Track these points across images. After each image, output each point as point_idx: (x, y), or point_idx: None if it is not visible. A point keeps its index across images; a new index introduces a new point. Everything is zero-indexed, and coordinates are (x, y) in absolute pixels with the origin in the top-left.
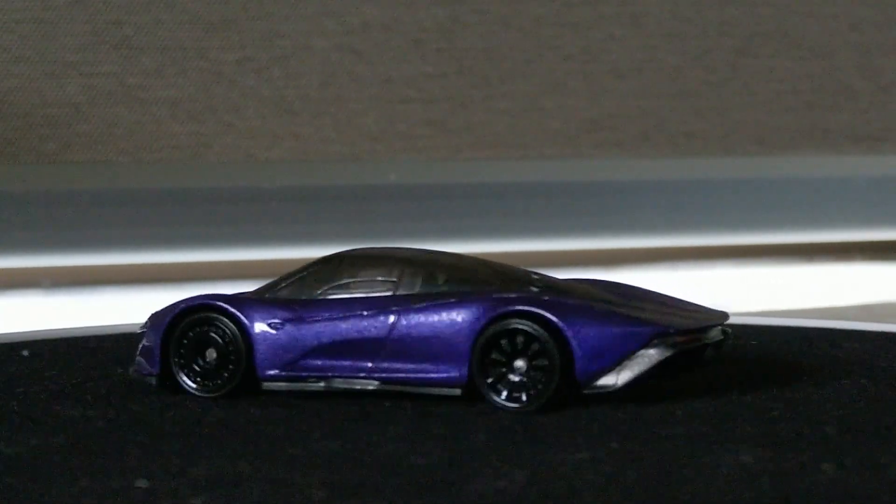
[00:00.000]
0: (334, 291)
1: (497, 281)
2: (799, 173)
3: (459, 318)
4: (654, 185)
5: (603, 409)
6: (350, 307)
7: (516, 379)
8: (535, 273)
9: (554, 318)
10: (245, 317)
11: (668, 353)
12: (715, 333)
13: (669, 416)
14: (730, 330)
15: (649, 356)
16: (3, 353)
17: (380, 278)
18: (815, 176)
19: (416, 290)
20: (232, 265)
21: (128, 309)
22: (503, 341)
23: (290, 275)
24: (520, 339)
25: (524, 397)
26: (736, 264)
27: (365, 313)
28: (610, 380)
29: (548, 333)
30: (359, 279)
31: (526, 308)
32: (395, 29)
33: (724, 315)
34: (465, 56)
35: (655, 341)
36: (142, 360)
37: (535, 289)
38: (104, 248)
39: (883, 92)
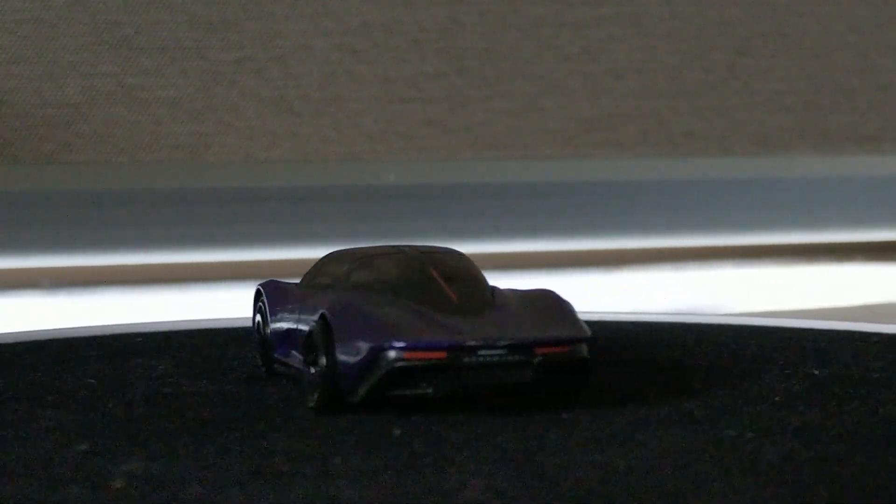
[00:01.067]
0: (313, 285)
1: (383, 284)
2: (798, 173)
3: (307, 318)
4: (653, 184)
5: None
6: (306, 297)
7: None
8: (469, 282)
9: (331, 323)
10: (268, 303)
11: (388, 367)
12: (509, 354)
13: (681, 413)
14: (587, 354)
15: (378, 369)
16: (2, 352)
17: (328, 275)
18: (814, 176)
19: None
20: (231, 265)
21: (128, 309)
22: (309, 340)
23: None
24: (309, 340)
25: (316, 396)
26: (736, 264)
27: (295, 307)
28: (354, 390)
29: (323, 337)
30: (322, 273)
31: (323, 311)
32: (394, 29)
33: (578, 333)
34: (465, 56)
35: (387, 354)
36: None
37: (392, 294)
38: (104, 248)
39: (881, 92)
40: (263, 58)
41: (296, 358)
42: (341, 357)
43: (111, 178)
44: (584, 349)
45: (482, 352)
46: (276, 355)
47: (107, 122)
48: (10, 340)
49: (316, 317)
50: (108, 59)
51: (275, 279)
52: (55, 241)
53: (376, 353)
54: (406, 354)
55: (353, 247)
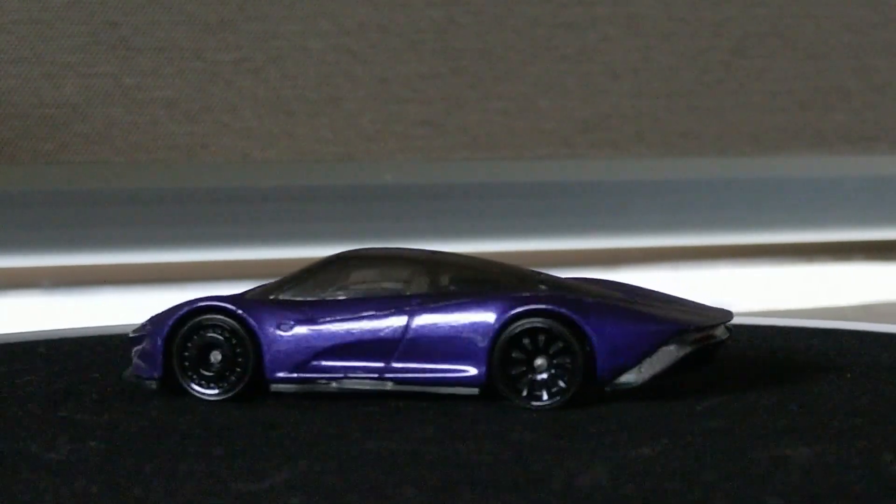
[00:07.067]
0: (342, 292)
1: (506, 280)
2: (793, 173)
3: (477, 317)
4: (649, 184)
5: (622, 406)
6: (361, 308)
7: (537, 377)
8: (539, 272)
9: (575, 316)
10: (253, 319)
11: (687, 350)
12: (721, 332)
13: (692, 413)
14: (731, 328)
15: (669, 353)
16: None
17: (389, 278)
18: (810, 176)
19: (426, 289)
20: (229, 265)
21: (127, 309)
22: (525, 340)
23: (292, 276)
24: (541, 337)
25: (545, 395)
26: (735, 264)
27: (376, 314)
28: (631, 377)
29: (569, 331)
30: (367, 280)
31: (546, 306)
32: (390, 30)
33: (728, 313)
34: (461, 57)
35: (674, 338)
36: (140, 363)
37: (543, 287)
38: (103, 248)
39: (877, 92)
40: (260, 58)
41: (373, 367)
42: (606, 348)
43: (109, 178)
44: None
45: (717, 332)
46: (289, 374)
47: (104, 122)
48: (9, 340)
49: (503, 318)
50: (105, 60)
51: (217, 295)
52: (55, 241)
53: (666, 339)
54: (697, 336)
55: (357, 249)
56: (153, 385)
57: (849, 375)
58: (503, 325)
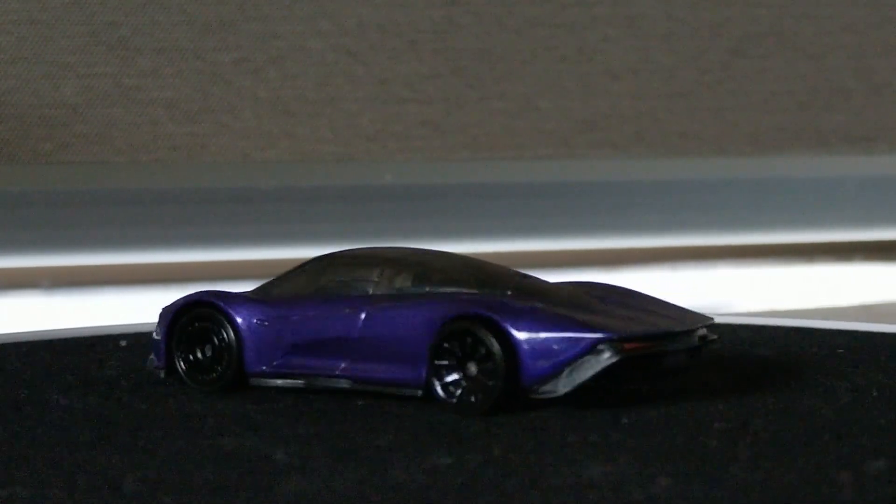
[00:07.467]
0: (317, 292)
1: (475, 283)
2: (793, 173)
3: (418, 320)
4: (648, 185)
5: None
6: (326, 307)
7: (465, 382)
8: (528, 276)
9: (501, 322)
10: (236, 314)
11: (612, 360)
12: (690, 339)
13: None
14: (715, 335)
15: (593, 362)
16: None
17: (360, 278)
18: (810, 176)
19: (386, 290)
20: (228, 265)
21: (127, 309)
22: (454, 343)
23: (284, 274)
24: (468, 341)
25: (473, 399)
26: (735, 264)
27: (338, 313)
28: (552, 386)
29: (494, 337)
30: (341, 279)
31: (477, 311)
32: (390, 30)
33: (705, 319)
34: (461, 57)
35: (601, 347)
36: (153, 352)
37: (508, 291)
38: (103, 249)
39: (876, 92)
40: (260, 59)
41: (333, 364)
42: (530, 354)
43: (109, 179)
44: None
45: (679, 339)
46: (263, 368)
47: (104, 122)
48: (9, 341)
49: (442, 320)
50: (105, 60)
51: (212, 290)
52: (54, 241)
53: (589, 347)
54: (626, 346)
55: (343, 250)
56: (161, 373)
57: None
58: (438, 329)
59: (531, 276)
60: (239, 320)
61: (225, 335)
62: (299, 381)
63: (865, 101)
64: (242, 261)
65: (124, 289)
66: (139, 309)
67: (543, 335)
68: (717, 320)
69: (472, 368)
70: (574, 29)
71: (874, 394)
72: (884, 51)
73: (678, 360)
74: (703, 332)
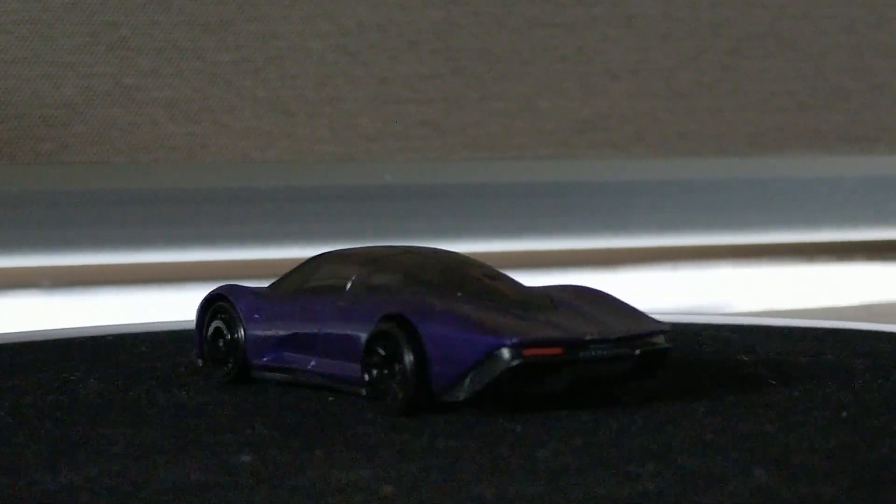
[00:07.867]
0: (307, 288)
1: (437, 282)
2: (793, 173)
3: (362, 320)
4: (648, 185)
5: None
6: (308, 303)
7: (389, 382)
8: (499, 277)
9: (416, 324)
10: (243, 309)
11: (511, 364)
12: (623, 347)
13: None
14: (668, 343)
15: (493, 367)
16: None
17: (341, 276)
18: (810, 176)
19: (355, 290)
20: (228, 265)
21: (127, 309)
22: (379, 343)
23: (291, 270)
24: (388, 342)
25: (401, 397)
26: (735, 264)
27: (313, 310)
28: (456, 390)
29: (407, 338)
30: (326, 277)
31: (396, 312)
32: (390, 30)
33: (658, 325)
34: (460, 57)
35: (499, 352)
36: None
37: (459, 294)
38: (103, 249)
39: (875, 92)
40: (260, 59)
41: (307, 360)
42: (437, 357)
43: (108, 179)
44: (664, 340)
45: (594, 347)
46: (260, 361)
47: (104, 122)
48: (9, 341)
49: (376, 319)
50: (105, 60)
51: (234, 283)
52: (54, 241)
53: (489, 352)
54: (525, 352)
55: (344, 248)
56: (199, 363)
57: (846, 380)
58: (370, 329)
59: (503, 277)
60: (244, 315)
61: (235, 329)
62: (287, 375)
63: (864, 101)
64: (242, 260)
65: (124, 289)
66: (139, 309)
67: (448, 338)
68: (717, 320)
69: (396, 367)
70: (574, 29)
71: (874, 394)
72: (883, 51)
73: (613, 367)
74: (660, 339)
